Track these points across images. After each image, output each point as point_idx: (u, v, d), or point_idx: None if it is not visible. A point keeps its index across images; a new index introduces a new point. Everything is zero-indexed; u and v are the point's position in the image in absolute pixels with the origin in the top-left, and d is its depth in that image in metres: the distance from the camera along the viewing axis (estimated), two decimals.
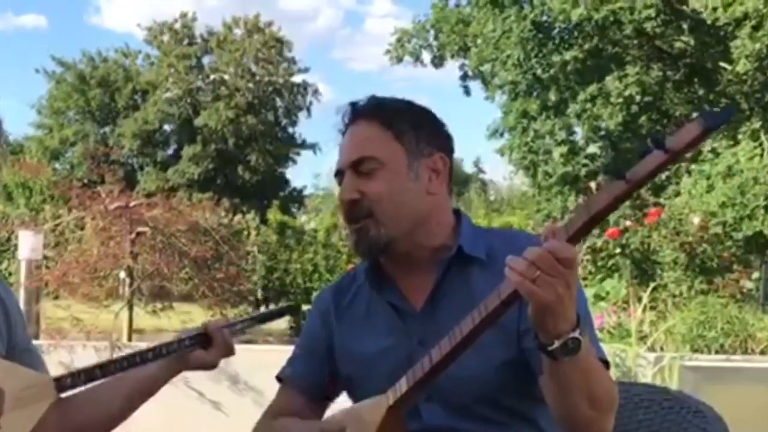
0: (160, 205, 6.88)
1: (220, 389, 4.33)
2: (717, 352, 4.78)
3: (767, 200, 12.42)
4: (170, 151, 31.96)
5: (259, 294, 12.63)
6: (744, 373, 4.40)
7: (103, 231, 6.73)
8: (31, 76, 43.57)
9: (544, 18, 18.07)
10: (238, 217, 13.89)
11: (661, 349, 4.68)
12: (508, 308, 1.20)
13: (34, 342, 1.68)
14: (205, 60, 32.50)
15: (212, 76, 32.10)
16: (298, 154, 33.16)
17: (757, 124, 16.32)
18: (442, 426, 1.42)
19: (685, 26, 17.60)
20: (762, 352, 4.87)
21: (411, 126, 1.49)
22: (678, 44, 18.41)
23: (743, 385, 4.21)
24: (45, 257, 7.23)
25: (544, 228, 1.15)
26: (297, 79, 32.53)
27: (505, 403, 1.41)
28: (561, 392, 1.25)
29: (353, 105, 1.53)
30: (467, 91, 20.98)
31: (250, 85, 31.33)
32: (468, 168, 41.07)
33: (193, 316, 6.99)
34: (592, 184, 8.01)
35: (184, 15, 32.28)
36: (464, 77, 20.81)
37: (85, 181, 13.04)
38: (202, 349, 1.56)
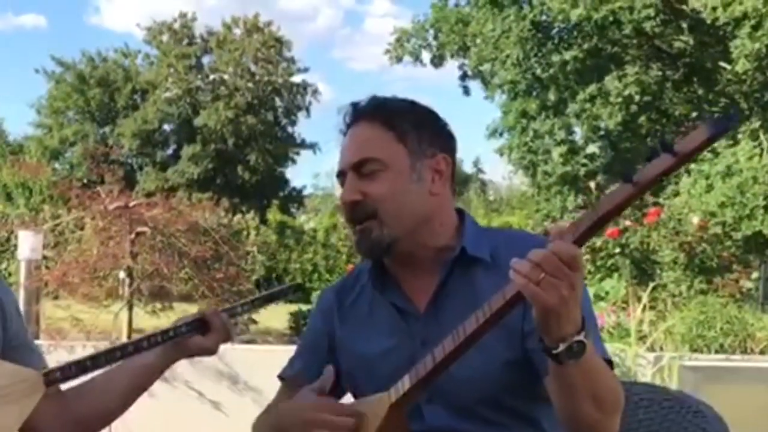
0: (160, 205, 6.87)
1: (220, 389, 4.33)
2: (716, 352, 4.79)
3: (766, 200, 12.43)
4: (170, 151, 31.94)
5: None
6: (743, 373, 4.40)
7: (103, 231, 6.73)
8: (30, 76, 43.56)
9: (544, 18, 18.09)
10: (238, 217, 13.89)
11: (661, 348, 4.68)
12: (513, 309, 1.20)
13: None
14: (205, 60, 32.50)
15: (212, 76, 32.08)
16: (297, 153, 33.13)
17: (756, 124, 16.34)
18: (444, 427, 1.41)
19: (684, 26, 17.61)
20: (761, 352, 4.87)
21: (413, 126, 1.47)
22: (677, 44, 18.42)
23: (743, 384, 4.21)
24: (45, 257, 7.23)
25: (550, 227, 1.14)
26: (296, 78, 32.52)
27: (507, 404, 1.40)
28: (566, 394, 1.24)
29: (354, 105, 1.52)
30: (467, 91, 21.02)
31: (250, 84, 31.31)
32: (467, 168, 41.11)
33: None
34: (592, 184, 8.01)
35: (183, 15, 32.29)
36: (464, 77, 20.84)
37: (85, 181, 13.06)
38: (201, 336, 1.55)
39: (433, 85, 57.42)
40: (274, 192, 30.70)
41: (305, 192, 33.84)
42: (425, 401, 1.40)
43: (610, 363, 1.33)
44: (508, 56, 18.06)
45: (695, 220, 6.59)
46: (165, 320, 7.50)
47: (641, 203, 6.92)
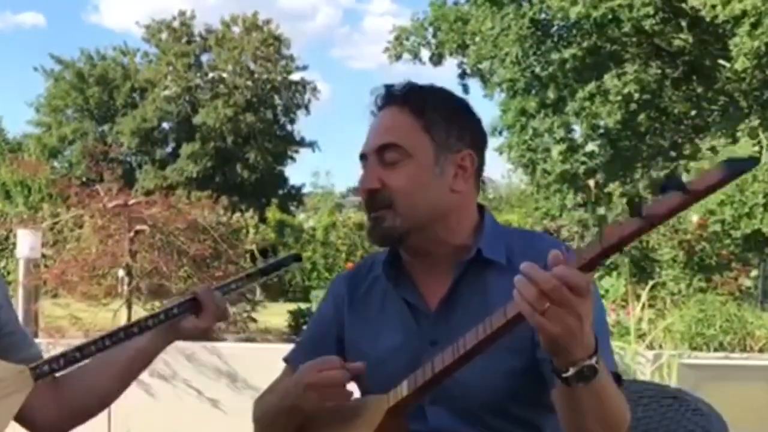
0: (159, 203, 6.87)
1: (219, 387, 4.33)
2: (716, 350, 4.79)
3: (766, 198, 12.43)
4: (169, 149, 31.93)
5: (258, 293, 12.60)
6: (743, 371, 4.40)
7: (102, 229, 6.72)
8: (29, 74, 43.58)
9: (543, 16, 18.08)
10: (237, 215, 13.84)
11: (660, 346, 4.68)
12: (514, 328, 1.17)
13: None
14: (204, 58, 32.49)
15: (211, 74, 32.06)
16: (296, 152, 33.11)
17: (755, 122, 16.33)
18: (446, 429, 1.40)
19: (683, 24, 17.60)
20: (761, 350, 4.88)
21: (443, 118, 1.44)
22: (677, 42, 18.41)
23: (742, 382, 4.21)
24: (43, 256, 7.23)
25: (550, 256, 1.10)
26: (295, 77, 32.52)
27: (511, 411, 1.39)
28: (572, 413, 1.22)
29: (388, 88, 1.49)
30: (466, 89, 20.96)
31: (249, 83, 31.29)
32: None
33: None
34: (591, 182, 8.01)
35: (182, 13, 32.27)
36: (463, 75, 20.81)
37: (84, 179, 13.04)
38: (194, 316, 1.52)
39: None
40: (273, 190, 30.69)
41: (304, 190, 33.79)
42: (429, 402, 1.39)
43: (618, 378, 1.29)
44: (507, 54, 18.05)
45: (694, 218, 6.60)
46: None
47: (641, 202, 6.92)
